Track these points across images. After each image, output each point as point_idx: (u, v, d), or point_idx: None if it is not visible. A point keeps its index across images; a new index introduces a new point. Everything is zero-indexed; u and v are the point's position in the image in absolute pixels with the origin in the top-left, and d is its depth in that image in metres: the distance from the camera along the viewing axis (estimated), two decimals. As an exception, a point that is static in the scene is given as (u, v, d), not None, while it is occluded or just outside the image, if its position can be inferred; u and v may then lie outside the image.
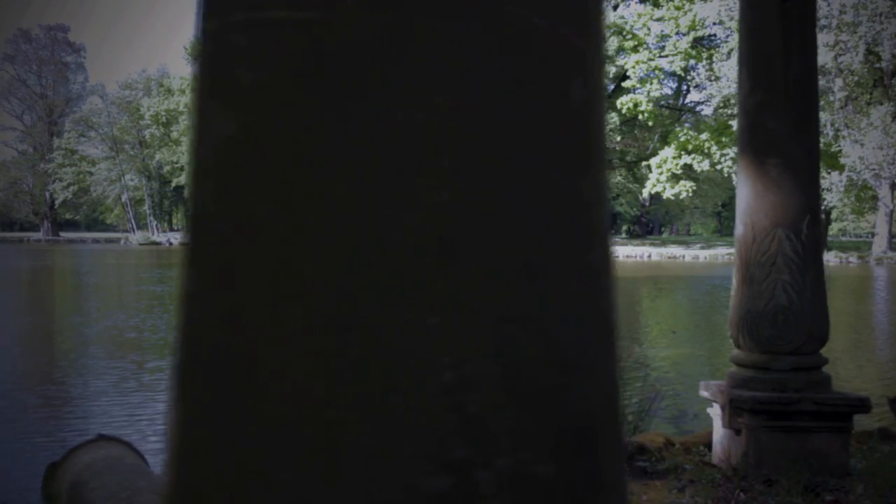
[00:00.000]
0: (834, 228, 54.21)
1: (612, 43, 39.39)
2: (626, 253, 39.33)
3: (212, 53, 0.68)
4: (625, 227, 61.06)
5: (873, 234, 43.09)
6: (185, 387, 0.70)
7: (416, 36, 0.63)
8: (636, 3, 42.91)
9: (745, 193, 4.26)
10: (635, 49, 39.28)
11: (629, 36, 39.60)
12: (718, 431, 4.37)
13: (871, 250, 38.15)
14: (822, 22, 33.06)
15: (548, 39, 0.68)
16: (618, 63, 39.67)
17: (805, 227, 4.13)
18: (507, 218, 0.65)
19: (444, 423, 0.62)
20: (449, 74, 0.64)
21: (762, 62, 4.22)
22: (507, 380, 0.64)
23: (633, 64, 38.46)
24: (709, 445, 4.53)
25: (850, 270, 31.41)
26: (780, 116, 4.17)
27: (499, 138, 0.65)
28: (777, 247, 4.12)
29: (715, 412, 4.42)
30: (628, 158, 46.91)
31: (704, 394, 4.54)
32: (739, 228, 4.30)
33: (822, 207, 37.43)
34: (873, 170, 34.44)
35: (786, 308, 4.13)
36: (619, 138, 42.08)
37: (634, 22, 39.88)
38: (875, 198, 38.12)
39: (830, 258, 35.00)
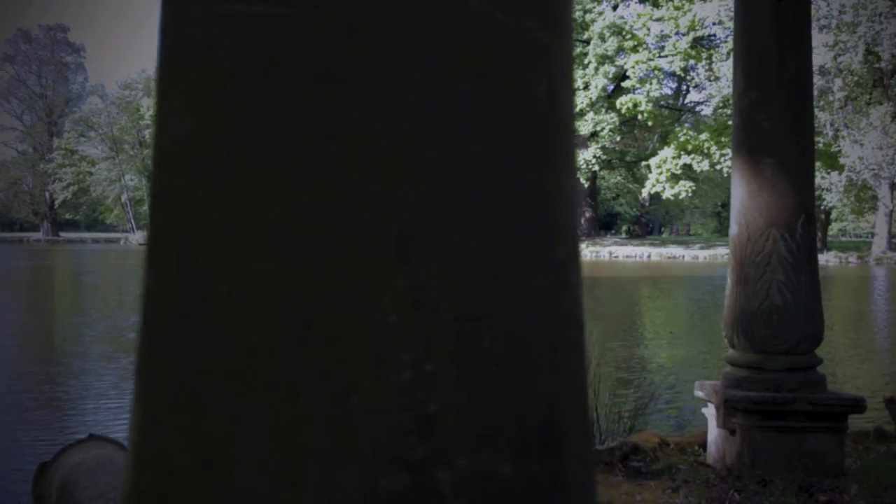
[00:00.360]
0: (834, 228, 54.17)
1: (612, 43, 39.38)
2: (626, 253, 39.30)
3: (169, 49, 0.68)
4: (625, 227, 61.01)
5: (873, 235, 43.07)
6: (145, 385, 0.69)
7: (376, 31, 0.63)
8: (636, 2, 42.92)
9: (740, 193, 4.25)
10: (635, 49, 39.28)
11: (629, 36, 39.59)
12: (713, 431, 4.36)
13: (871, 250, 38.11)
14: (822, 22, 33.04)
15: (512, 34, 0.67)
16: (617, 63, 39.66)
17: (800, 226, 4.13)
18: (469, 214, 0.65)
19: (403, 422, 0.62)
20: (409, 69, 0.63)
21: (757, 61, 4.21)
22: (467, 379, 0.64)
23: (632, 64, 38.45)
24: (704, 445, 4.52)
25: (849, 270, 31.39)
26: (775, 115, 4.17)
27: (461, 133, 0.65)
28: (772, 246, 4.12)
29: (710, 412, 4.41)
30: (628, 158, 46.90)
31: (699, 394, 4.53)
32: (734, 228, 4.29)
33: (822, 207, 37.53)
34: (873, 170, 34.42)
35: (780, 308, 4.12)
36: (618, 138, 42.04)
37: (634, 22, 39.88)
38: (875, 198, 38.09)
39: (830, 258, 34.98)
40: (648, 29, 39.58)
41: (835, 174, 35.25)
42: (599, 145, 40.83)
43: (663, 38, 39.84)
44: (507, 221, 0.66)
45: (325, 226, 0.62)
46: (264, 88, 0.63)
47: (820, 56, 32.10)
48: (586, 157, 40.89)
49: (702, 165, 37.07)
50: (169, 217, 0.68)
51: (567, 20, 0.74)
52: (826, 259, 34.05)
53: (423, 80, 0.63)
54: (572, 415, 0.71)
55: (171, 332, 0.67)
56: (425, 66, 0.63)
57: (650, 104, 38.33)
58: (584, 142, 42.04)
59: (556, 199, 0.71)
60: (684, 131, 39.17)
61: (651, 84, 38.95)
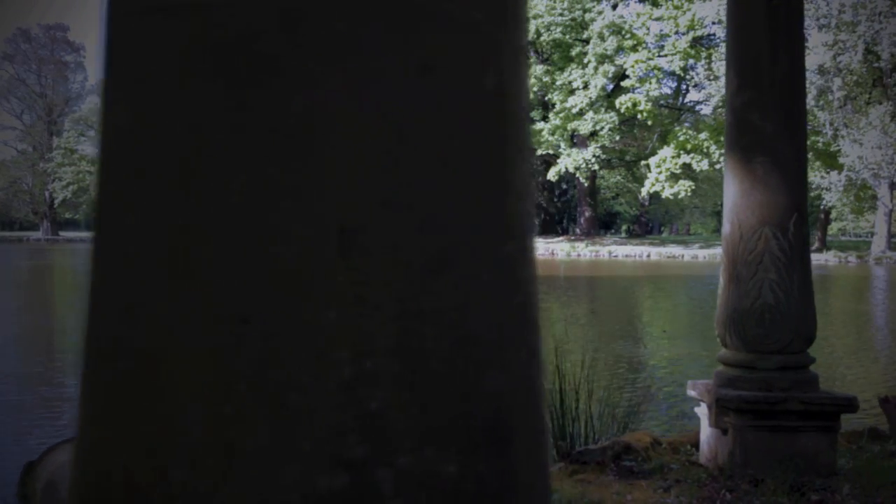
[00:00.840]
0: (833, 228, 54.10)
1: (612, 42, 39.38)
2: (626, 252, 39.25)
3: (111, 41, 0.67)
4: (624, 227, 60.96)
5: (872, 234, 43.03)
6: (89, 384, 0.68)
7: (315, 19, 0.61)
8: (635, 2, 42.91)
9: (732, 192, 4.24)
10: (634, 48, 39.27)
11: (628, 35, 39.59)
12: (705, 431, 4.35)
13: (870, 250, 38.09)
14: (821, 21, 33.03)
15: (458, 27, 0.66)
16: (617, 62, 39.65)
17: (792, 225, 4.11)
18: (413, 208, 0.64)
19: (343, 420, 0.61)
20: (350, 59, 0.62)
21: (749, 60, 4.20)
22: (410, 376, 0.63)
23: (632, 63, 38.44)
24: (696, 445, 4.50)
25: (849, 270, 31.37)
26: (768, 115, 4.15)
27: (403, 125, 0.63)
28: (764, 245, 4.10)
29: (702, 411, 4.40)
30: (627, 158, 46.87)
31: (692, 393, 4.52)
32: (726, 227, 4.28)
33: (822, 207, 37.50)
34: (872, 169, 34.38)
35: (772, 307, 4.10)
36: (618, 137, 41.99)
37: (633, 21, 39.88)
38: (874, 197, 38.05)
39: (829, 257, 34.96)
40: (648, 28, 39.61)
41: (834, 173, 35.22)
42: (599, 145, 40.80)
43: (663, 37, 39.85)
44: (452, 215, 0.65)
45: (264, 220, 0.61)
46: (202, 79, 0.62)
47: (819, 55, 32.09)
48: (586, 156, 40.87)
49: (701, 165, 37.07)
50: (111, 212, 0.67)
51: (520, 13, 0.73)
52: (825, 258, 34.05)
53: (363, 71, 0.62)
54: (523, 414, 0.70)
55: (112, 329, 0.66)
56: (366, 57, 0.62)
57: (650, 103, 38.31)
58: (584, 141, 42.02)
59: (505, 192, 0.70)
60: (684, 130, 39.17)
61: (650, 83, 38.94)
